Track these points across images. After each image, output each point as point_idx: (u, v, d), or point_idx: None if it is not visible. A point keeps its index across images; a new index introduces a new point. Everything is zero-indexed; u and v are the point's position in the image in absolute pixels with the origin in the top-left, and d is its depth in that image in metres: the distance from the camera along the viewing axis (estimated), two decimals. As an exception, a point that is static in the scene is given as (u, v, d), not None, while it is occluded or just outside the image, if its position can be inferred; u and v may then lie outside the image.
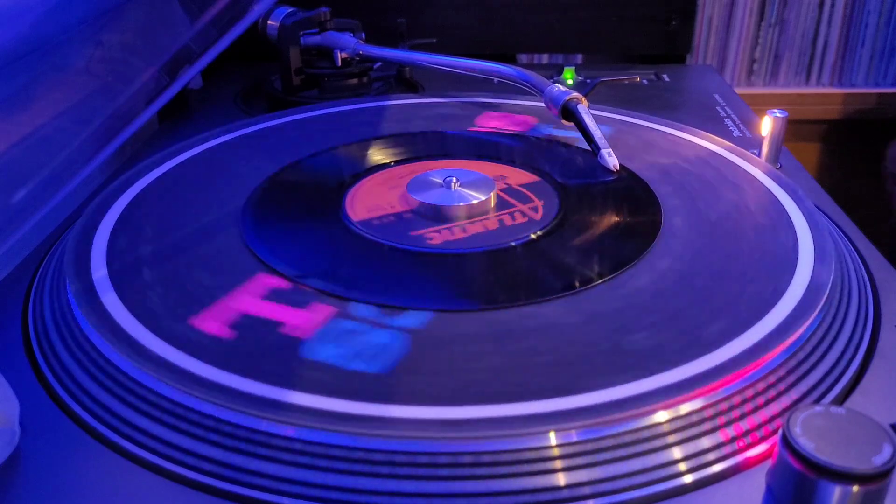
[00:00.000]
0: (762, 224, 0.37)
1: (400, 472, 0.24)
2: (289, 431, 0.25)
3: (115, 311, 0.31)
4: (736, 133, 0.56)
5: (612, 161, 0.43)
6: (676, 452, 0.25)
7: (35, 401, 0.29)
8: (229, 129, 0.51)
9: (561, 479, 0.24)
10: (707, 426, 0.26)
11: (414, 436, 0.25)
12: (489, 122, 0.52)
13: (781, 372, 0.28)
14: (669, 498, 0.25)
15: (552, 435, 0.25)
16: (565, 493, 0.24)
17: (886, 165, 0.76)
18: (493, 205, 0.40)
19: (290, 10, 0.62)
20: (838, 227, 0.41)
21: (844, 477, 0.21)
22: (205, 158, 0.47)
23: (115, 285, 0.33)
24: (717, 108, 0.62)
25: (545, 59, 0.97)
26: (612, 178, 0.43)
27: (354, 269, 0.35)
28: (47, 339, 0.32)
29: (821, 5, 0.98)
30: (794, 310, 0.30)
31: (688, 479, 0.25)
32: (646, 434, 0.25)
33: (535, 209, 0.39)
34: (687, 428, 0.26)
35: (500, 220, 0.38)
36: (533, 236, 0.37)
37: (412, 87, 0.67)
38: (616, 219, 0.38)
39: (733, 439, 0.26)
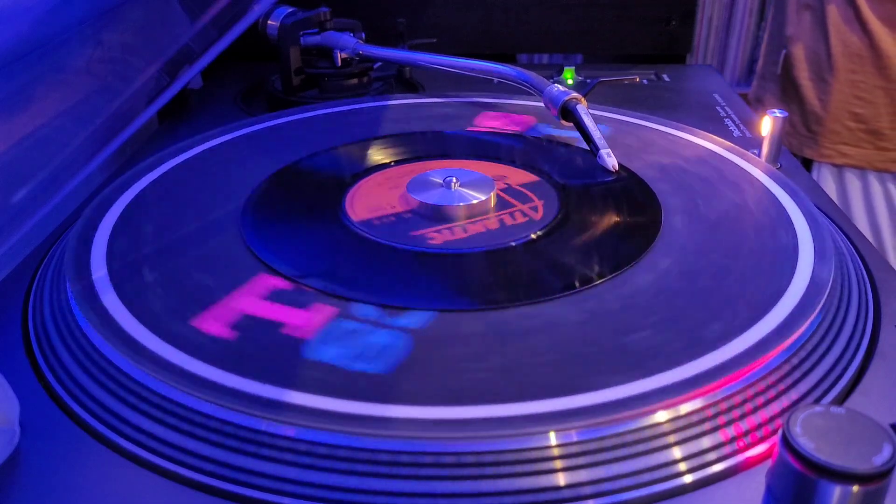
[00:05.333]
0: (762, 224, 0.37)
1: (400, 472, 0.24)
2: (289, 431, 0.25)
3: (114, 311, 0.31)
4: (736, 133, 0.56)
5: (612, 161, 0.43)
6: (676, 452, 0.25)
7: (35, 401, 0.29)
8: (229, 129, 0.51)
9: (561, 479, 0.24)
10: (707, 426, 0.26)
11: (414, 436, 0.25)
12: (488, 122, 0.52)
13: (781, 372, 0.28)
14: (669, 498, 0.25)
15: (552, 435, 0.25)
16: (565, 493, 0.24)
17: None
18: (493, 205, 0.40)
19: (290, 10, 0.62)
20: (838, 227, 0.41)
21: (844, 477, 0.21)
22: (205, 158, 0.47)
23: (114, 285, 0.33)
24: (717, 108, 0.62)
25: (545, 59, 0.97)
26: (611, 179, 0.43)
27: (354, 269, 0.35)
28: (47, 339, 0.32)
29: (820, 5, 0.97)
30: (794, 310, 0.30)
31: (688, 479, 0.25)
32: (646, 434, 0.25)
33: (535, 209, 0.39)
34: (687, 428, 0.26)
35: (500, 220, 0.38)
36: (533, 236, 0.37)
37: (412, 87, 0.67)
38: (616, 219, 0.38)
39: (733, 439, 0.26)
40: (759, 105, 0.87)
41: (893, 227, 0.79)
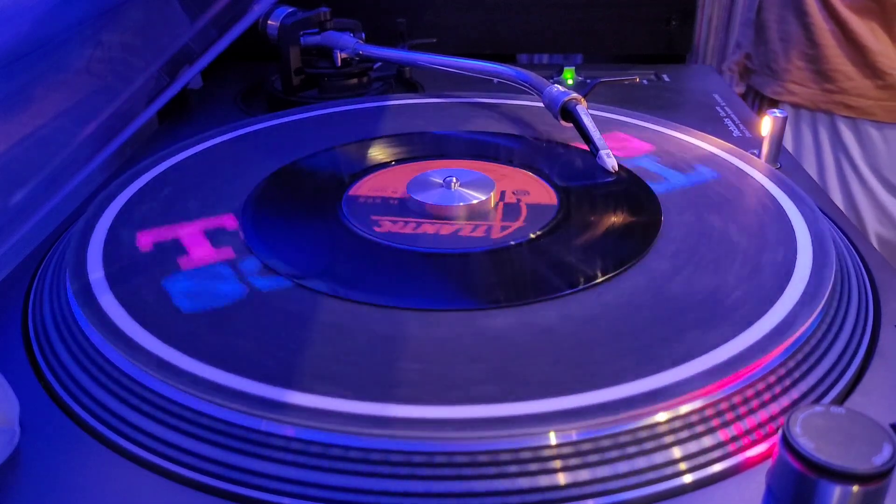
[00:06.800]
0: (762, 224, 0.37)
1: (399, 471, 0.24)
2: (288, 431, 0.25)
3: (114, 310, 0.31)
4: (736, 133, 0.56)
5: (611, 162, 0.43)
6: (676, 452, 0.25)
7: (35, 401, 0.29)
8: (229, 129, 0.51)
9: (561, 479, 0.24)
10: (707, 426, 0.26)
11: (414, 436, 0.25)
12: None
13: (781, 372, 0.28)
14: (669, 498, 0.25)
15: (552, 435, 0.25)
16: (565, 493, 0.24)
17: None
18: (493, 205, 0.40)
19: (290, 10, 0.62)
20: (838, 227, 0.41)
21: (844, 477, 0.21)
22: (204, 158, 0.47)
23: (114, 285, 0.33)
24: (717, 108, 0.62)
25: (545, 59, 0.97)
26: (611, 179, 0.43)
27: (354, 269, 0.35)
28: (47, 339, 0.32)
29: (820, 5, 0.97)
30: (794, 310, 0.30)
31: (688, 479, 0.25)
32: (646, 434, 0.25)
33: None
34: (687, 428, 0.26)
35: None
36: (532, 236, 0.37)
37: (412, 87, 0.67)
38: (615, 219, 0.38)
39: (733, 439, 0.26)
40: (737, 50, 0.92)
41: (838, 172, 0.83)
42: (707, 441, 0.26)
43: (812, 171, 0.83)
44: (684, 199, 0.40)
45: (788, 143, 0.84)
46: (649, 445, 0.25)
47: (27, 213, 0.32)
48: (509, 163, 0.45)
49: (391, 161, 0.46)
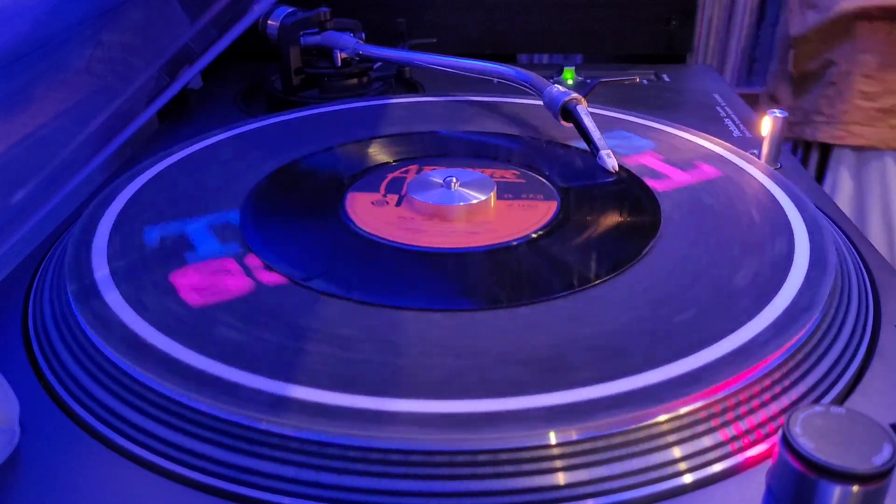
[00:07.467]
0: (762, 224, 0.37)
1: (399, 471, 0.24)
2: (289, 431, 0.25)
3: (114, 310, 0.31)
4: (736, 133, 0.56)
5: (612, 162, 0.43)
6: (676, 452, 0.25)
7: (35, 401, 0.29)
8: (229, 129, 0.51)
9: (560, 479, 0.24)
10: (707, 426, 0.26)
11: (414, 436, 0.25)
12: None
13: (781, 372, 0.28)
14: (669, 498, 0.25)
15: (552, 434, 0.25)
16: (565, 493, 0.24)
17: None
18: (493, 205, 0.40)
19: (290, 10, 0.62)
20: (838, 227, 0.41)
21: (844, 477, 0.21)
22: (204, 158, 0.47)
23: (114, 285, 0.33)
24: (717, 108, 0.62)
25: (545, 59, 0.97)
26: (611, 180, 0.43)
27: (354, 268, 0.35)
28: (47, 339, 0.32)
29: (820, 5, 0.97)
30: (794, 310, 0.30)
31: (688, 479, 0.25)
32: (646, 433, 0.25)
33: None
34: (687, 428, 0.26)
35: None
36: (533, 236, 0.37)
37: (412, 87, 0.67)
38: (615, 219, 0.38)
39: (733, 439, 0.26)
40: (773, 103, 0.87)
41: None
42: (707, 441, 0.26)
43: (878, 215, 0.78)
44: (684, 200, 0.40)
45: (849, 188, 0.78)
46: (649, 445, 0.25)
47: (27, 213, 0.32)
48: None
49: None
